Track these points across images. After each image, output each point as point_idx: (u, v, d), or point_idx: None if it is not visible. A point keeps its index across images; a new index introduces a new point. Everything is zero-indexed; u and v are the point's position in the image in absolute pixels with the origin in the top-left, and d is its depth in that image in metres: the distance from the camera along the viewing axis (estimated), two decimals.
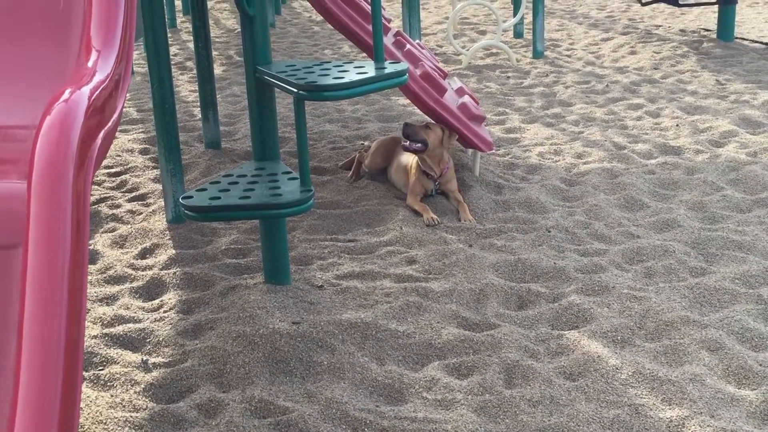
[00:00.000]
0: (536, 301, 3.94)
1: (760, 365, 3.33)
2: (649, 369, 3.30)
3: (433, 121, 5.11)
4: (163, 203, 4.98)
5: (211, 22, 12.19)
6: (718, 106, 6.92)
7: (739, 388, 3.20)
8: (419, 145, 4.96)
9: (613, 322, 3.66)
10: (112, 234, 4.78)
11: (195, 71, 7.83)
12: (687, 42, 9.39)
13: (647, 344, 3.51)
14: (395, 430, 2.98)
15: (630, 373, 3.28)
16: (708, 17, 10.71)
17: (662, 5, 11.06)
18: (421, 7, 10.15)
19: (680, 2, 9.66)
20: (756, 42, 9.26)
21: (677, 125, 6.47)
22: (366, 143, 6.10)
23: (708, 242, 4.43)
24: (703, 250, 4.36)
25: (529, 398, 3.15)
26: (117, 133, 5.65)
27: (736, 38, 9.35)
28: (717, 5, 9.33)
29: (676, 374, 3.27)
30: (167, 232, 4.72)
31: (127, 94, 2.71)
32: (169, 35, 4.98)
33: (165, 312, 3.87)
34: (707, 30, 9.95)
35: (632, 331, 3.61)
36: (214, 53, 9.66)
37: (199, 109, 6.60)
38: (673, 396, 3.14)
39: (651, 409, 3.07)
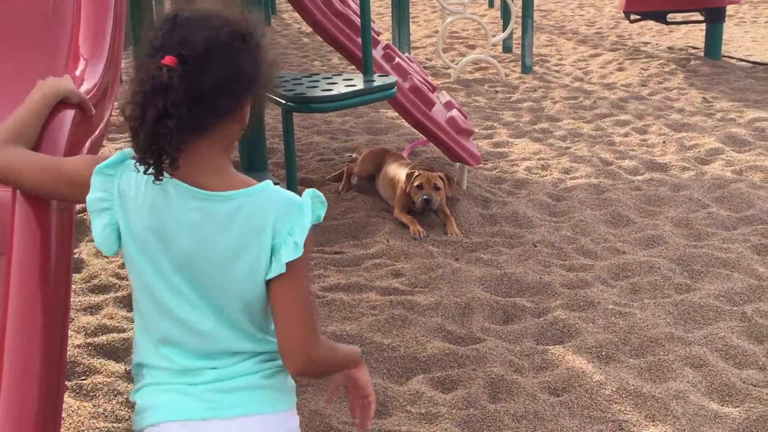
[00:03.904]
0: (521, 315, 3.94)
1: (744, 382, 3.34)
2: (633, 385, 3.30)
3: (436, 174, 4.97)
4: None
5: None
6: (704, 124, 6.96)
7: (722, 405, 3.21)
8: (431, 207, 4.93)
9: (598, 338, 3.66)
10: None
11: None
12: (674, 59, 9.44)
13: (632, 360, 3.52)
14: None
15: (614, 389, 3.29)
16: (695, 35, 10.78)
17: (650, 22, 11.13)
18: (410, 20, 10.18)
19: (668, 20, 9.72)
20: (743, 60, 9.32)
21: (664, 142, 6.50)
22: (354, 155, 6.11)
23: (693, 259, 4.45)
24: (688, 266, 4.38)
25: (513, 413, 3.15)
26: (104, 142, 5.64)
27: (723, 56, 9.42)
28: (705, 23, 9.40)
29: (660, 391, 3.27)
30: None
31: (115, 103, 2.70)
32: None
33: None
34: (695, 48, 10.01)
35: (617, 347, 3.61)
36: None
37: None
38: (656, 412, 3.15)
39: (634, 426, 3.07)
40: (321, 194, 1.80)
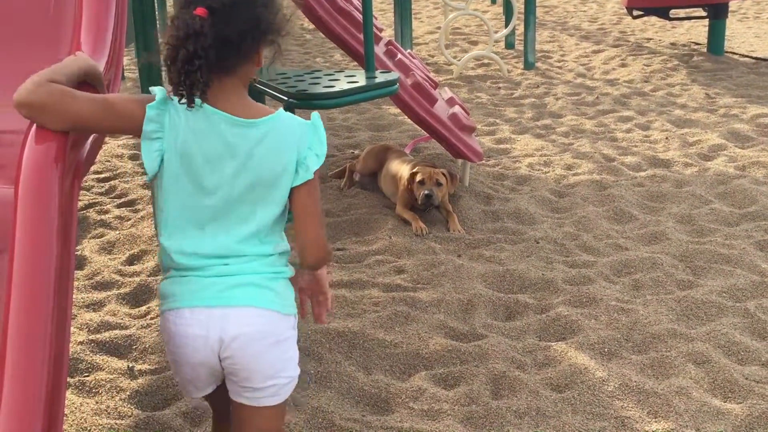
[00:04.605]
0: (524, 312, 3.94)
1: (746, 379, 3.33)
2: (635, 381, 3.30)
3: (438, 171, 4.98)
4: (151, 209, 4.96)
5: None
6: (707, 120, 6.95)
7: (725, 402, 3.20)
8: (432, 203, 4.92)
9: (601, 334, 3.66)
10: (100, 240, 4.77)
11: None
12: (677, 55, 9.43)
13: (634, 357, 3.52)
14: None
15: (616, 386, 3.28)
16: (698, 31, 10.76)
17: (653, 18, 11.10)
18: (413, 16, 10.17)
19: (671, 16, 9.70)
20: (746, 56, 9.30)
21: (667, 138, 6.49)
22: (356, 152, 6.11)
23: (696, 255, 4.44)
24: (691, 263, 4.37)
25: (515, 409, 3.15)
26: (106, 139, 5.64)
27: (726, 52, 9.40)
28: (707, 19, 9.38)
29: (663, 387, 3.27)
30: (155, 239, 4.70)
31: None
32: (159, 41, 4.96)
33: (152, 319, 3.85)
34: (697, 44, 9.99)
35: (619, 344, 3.61)
36: None
37: None
38: (659, 409, 3.14)
39: (637, 422, 3.07)
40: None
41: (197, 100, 2.02)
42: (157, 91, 2.07)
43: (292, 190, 2.13)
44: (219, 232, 2.10)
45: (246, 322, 2.08)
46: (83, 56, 2.23)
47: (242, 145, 2.06)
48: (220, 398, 2.30)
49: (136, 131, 2.04)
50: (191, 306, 2.08)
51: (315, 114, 2.21)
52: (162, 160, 2.06)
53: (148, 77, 4.58)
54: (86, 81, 2.17)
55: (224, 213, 2.10)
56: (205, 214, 2.09)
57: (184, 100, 2.01)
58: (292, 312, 2.19)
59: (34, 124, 2.05)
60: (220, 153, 2.06)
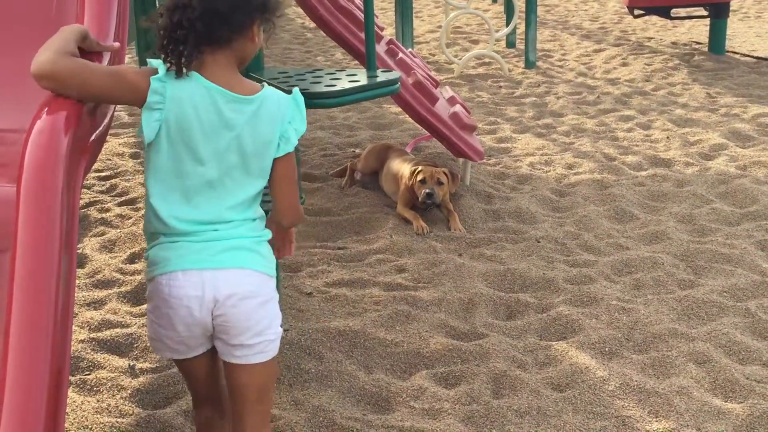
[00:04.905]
0: (525, 311, 3.94)
1: (747, 378, 3.33)
2: (636, 381, 3.31)
3: (440, 170, 4.98)
4: None
5: None
6: (708, 119, 6.95)
7: (725, 401, 3.21)
8: (434, 201, 4.93)
9: (602, 334, 3.66)
10: (101, 238, 4.77)
11: None
12: (678, 55, 9.43)
13: (635, 356, 3.52)
14: None
15: (617, 385, 3.29)
16: (699, 30, 10.76)
17: (654, 18, 11.10)
18: (414, 15, 10.17)
19: (672, 15, 9.70)
20: (747, 56, 9.30)
21: (668, 137, 6.49)
22: (357, 151, 6.11)
23: (696, 255, 4.44)
24: (692, 262, 4.38)
25: (516, 409, 3.15)
26: (107, 137, 5.65)
27: (727, 52, 9.40)
28: (708, 19, 9.38)
29: (664, 386, 3.27)
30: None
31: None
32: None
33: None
34: (698, 43, 9.99)
35: (620, 343, 3.61)
36: None
37: None
38: (660, 408, 3.15)
39: (638, 422, 3.07)
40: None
41: (195, 74, 2.14)
42: (158, 64, 2.16)
43: (273, 161, 2.27)
44: (210, 199, 2.22)
45: (238, 283, 2.21)
46: (73, 26, 2.27)
47: (237, 119, 2.18)
48: (202, 371, 2.39)
49: (140, 102, 2.13)
50: (184, 269, 2.18)
51: (296, 89, 2.32)
52: (160, 129, 2.15)
53: None
54: (83, 48, 2.25)
55: (216, 182, 2.21)
56: (197, 183, 2.20)
57: (173, 69, 2.13)
58: (274, 274, 2.33)
59: (36, 123, 2.05)
60: (216, 125, 2.17)
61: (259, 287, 2.25)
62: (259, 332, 2.26)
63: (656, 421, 3.08)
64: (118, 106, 2.71)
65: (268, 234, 2.34)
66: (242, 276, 2.22)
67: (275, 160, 2.27)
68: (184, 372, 2.42)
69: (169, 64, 2.13)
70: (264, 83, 2.29)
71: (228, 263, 2.21)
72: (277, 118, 2.24)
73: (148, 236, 2.29)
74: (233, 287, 2.20)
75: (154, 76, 2.13)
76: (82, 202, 5.31)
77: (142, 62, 4.60)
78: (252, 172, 2.25)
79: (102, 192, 5.57)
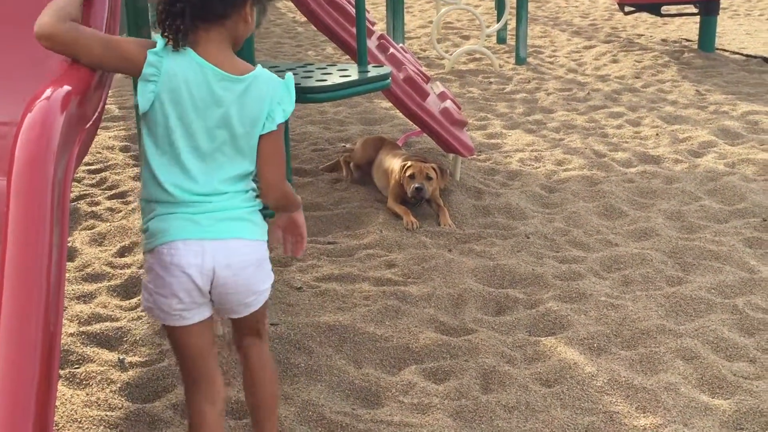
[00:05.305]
0: (514, 306, 3.96)
1: (734, 375, 3.35)
2: (624, 377, 3.32)
3: (429, 165, 4.99)
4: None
5: None
6: (697, 117, 6.98)
7: (712, 398, 3.22)
8: (423, 196, 4.93)
9: (590, 330, 3.68)
10: (91, 231, 4.76)
11: None
12: (668, 52, 9.45)
13: (623, 352, 3.54)
14: None
15: (605, 381, 3.30)
16: (689, 28, 10.79)
17: (644, 15, 11.12)
18: (405, 10, 10.16)
19: (662, 12, 9.72)
20: (736, 53, 9.33)
21: (657, 134, 6.51)
22: (348, 146, 6.11)
23: (685, 252, 4.46)
24: (680, 259, 4.39)
25: (505, 404, 3.16)
26: (98, 130, 5.62)
27: (717, 49, 9.43)
28: (698, 16, 9.40)
29: (651, 382, 3.29)
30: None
31: (109, 92, 2.71)
32: (151, 33, 4.94)
33: (143, 311, 3.86)
34: (688, 40, 10.02)
35: (608, 339, 3.63)
36: None
37: None
38: (647, 404, 3.16)
39: (625, 417, 3.09)
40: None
41: (190, 51, 2.25)
42: (158, 38, 2.26)
43: (259, 138, 2.36)
44: (204, 172, 2.32)
45: (235, 252, 2.33)
46: None
47: (227, 97, 2.28)
48: (197, 342, 2.44)
49: (135, 73, 2.24)
50: (184, 239, 2.28)
51: (288, 74, 2.42)
52: (154, 101, 2.25)
53: None
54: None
55: (207, 157, 2.31)
56: (191, 156, 2.30)
57: (170, 43, 2.23)
58: (266, 238, 2.47)
59: (27, 116, 2.04)
60: (207, 102, 2.27)
61: (255, 254, 2.38)
62: (254, 291, 2.42)
63: (644, 417, 3.09)
64: (108, 99, 2.72)
65: (259, 203, 2.44)
66: (239, 246, 2.34)
67: (261, 137, 2.35)
68: (180, 345, 2.45)
69: (167, 39, 2.23)
70: (259, 64, 2.39)
71: (225, 233, 2.32)
72: (266, 97, 2.32)
73: (143, 205, 2.39)
74: (231, 257, 2.32)
75: (151, 49, 2.23)
76: (72, 195, 5.29)
77: None
78: (242, 150, 2.34)
79: (92, 185, 5.55)
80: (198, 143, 2.29)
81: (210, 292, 2.35)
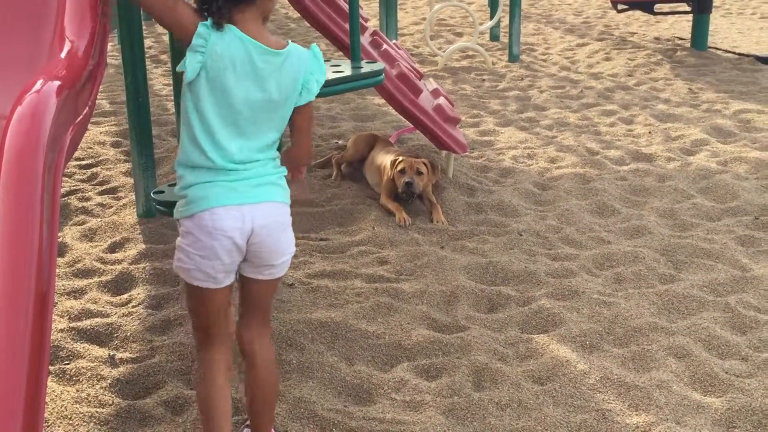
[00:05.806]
0: (506, 304, 3.95)
1: (726, 373, 3.35)
2: (616, 374, 3.32)
3: (419, 160, 4.99)
4: (134, 197, 4.94)
5: None
6: (690, 115, 6.98)
7: (705, 395, 3.22)
8: (413, 190, 4.92)
9: (582, 327, 3.67)
10: (82, 227, 4.74)
11: (169, 65, 7.77)
12: (661, 50, 9.46)
13: (615, 350, 3.53)
14: (363, 430, 2.97)
15: (598, 378, 3.30)
16: (682, 26, 10.80)
17: (637, 13, 11.14)
18: (398, 7, 10.15)
19: (655, 10, 9.73)
20: (729, 52, 9.35)
21: (650, 132, 6.51)
22: (341, 142, 6.09)
23: (677, 249, 4.46)
24: (673, 257, 4.40)
25: (497, 401, 3.16)
26: (89, 125, 5.61)
27: (710, 48, 9.44)
28: (691, 14, 9.41)
29: (643, 380, 3.29)
30: (137, 227, 4.68)
31: (101, 86, 2.69)
32: (143, 28, 4.91)
33: (133, 307, 3.84)
34: (681, 39, 10.03)
35: (601, 337, 3.63)
36: None
37: (172, 103, 6.55)
38: (639, 402, 3.16)
39: (618, 415, 3.09)
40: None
41: (233, 27, 2.41)
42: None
43: (295, 109, 2.58)
44: (242, 141, 2.50)
45: (269, 213, 2.54)
46: None
47: (267, 70, 2.46)
48: (224, 303, 2.61)
49: (184, 38, 2.41)
50: (224, 205, 2.47)
51: (314, 45, 2.62)
52: (200, 71, 2.41)
53: (132, 67, 4.55)
54: None
55: (247, 125, 2.49)
56: (232, 125, 2.47)
57: (212, 21, 2.39)
58: (289, 201, 2.65)
59: (17, 109, 2.02)
60: (248, 74, 2.44)
61: (284, 216, 2.60)
62: (283, 252, 2.61)
63: (636, 415, 3.09)
64: (100, 94, 2.72)
65: (284, 169, 2.64)
66: (273, 208, 2.55)
67: (296, 108, 2.57)
68: (208, 306, 2.59)
69: (205, 18, 2.40)
70: (288, 40, 2.56)
71: (261, 197, 2.51)
72: (300, 70, 2.53)
73: (180, 171, 2.53)
74: (267, 217, 2.52)
75: (202, 22, 2.40)
76: (62, 190, 5.26)
77: (125, 51, 4.56)
78: (275, 120, 2.54)
79: (83, 180, 5.53)
80: (238, 114, 2.46)
81: (247, 251, 2.53)
